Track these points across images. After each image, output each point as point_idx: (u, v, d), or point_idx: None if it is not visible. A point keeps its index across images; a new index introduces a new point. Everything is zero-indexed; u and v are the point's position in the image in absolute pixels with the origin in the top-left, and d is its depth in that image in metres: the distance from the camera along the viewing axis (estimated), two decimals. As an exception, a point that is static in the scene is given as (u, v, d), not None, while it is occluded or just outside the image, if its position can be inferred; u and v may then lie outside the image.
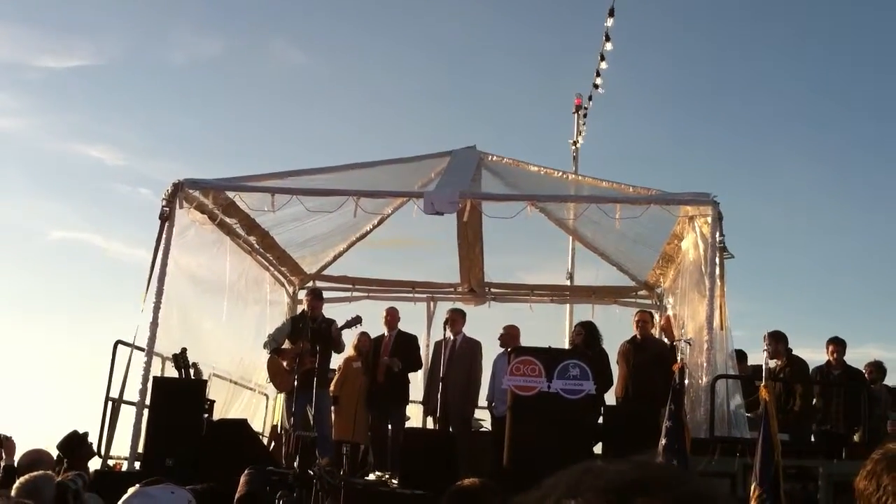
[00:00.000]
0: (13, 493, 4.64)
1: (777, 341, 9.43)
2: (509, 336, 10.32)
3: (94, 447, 8.25)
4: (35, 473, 4.78)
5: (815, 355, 10.17)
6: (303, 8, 27.96)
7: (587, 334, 10.00)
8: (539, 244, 13.80)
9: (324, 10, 27.94)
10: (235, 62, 27.41)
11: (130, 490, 4.46)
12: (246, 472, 6.15)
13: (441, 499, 3.24)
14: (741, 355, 10.15)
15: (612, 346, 10.21)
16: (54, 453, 7.16)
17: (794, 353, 9.78)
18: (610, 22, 13.51)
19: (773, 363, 9.30)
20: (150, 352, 8.96)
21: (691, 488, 0.90)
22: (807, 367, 9.82)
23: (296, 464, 6.54)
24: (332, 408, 10.28)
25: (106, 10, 26.05)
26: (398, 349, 10.69)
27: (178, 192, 9.41)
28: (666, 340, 10.37)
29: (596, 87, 14.80)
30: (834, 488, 7.55)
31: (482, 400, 10.63)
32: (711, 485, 0.95)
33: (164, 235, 9.28)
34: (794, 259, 27.36)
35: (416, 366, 11.06)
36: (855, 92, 26.65)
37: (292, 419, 9.03)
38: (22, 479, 4.71)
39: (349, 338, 10.53)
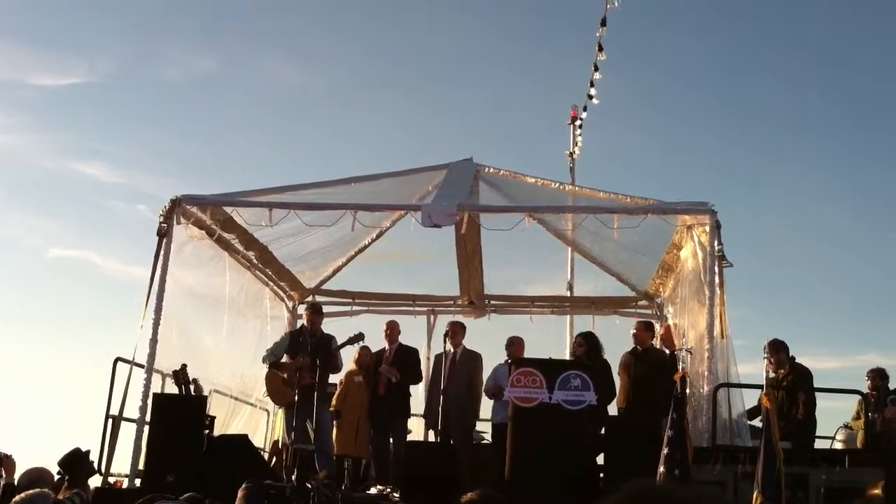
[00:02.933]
0: (9, 510, 4.62)
1: (778, 350, 9.38)
2: (519, 347, 10.32)
3: (95, 465, 8.21)
4: (31, 492, 4.77)
5: (815, 363, 10.11)
6: (294, 24, 28.06)
7: (589, 346, 9.96)
8: (538, 255, 13.75)
9: (316, 25, 28.06)
10: (230, 78, 27.52)
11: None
12: (243, 486, 6.13)
13: None
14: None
15: (613, 357, 10.18)
16: (55, 471, 7.15)
17: (796, 360, 9.74)
18: (602, 31, 13.53)
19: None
20: (149, 368, 8.94)
21: None
22: (810, 375, 9.77)
23: (293, 477, 6.50)
24: (335, 422, 10.26)
25: (100, 29, 26.21)
26: (399, 362, 10.67)
27: (176, 209, 9.41)
28: (666, 350, 10.34)
29: (590, 97, 14.77)
30: (825, 496, 7.52)
31: (483, 412, 10.61)
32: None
33: (162, 252, 9.28)
34: (795, 267, 27.31)
35: (417, 379, 11.04)
36: (854, 98, 26.69)
37: (292, 433, 9.01)
38: (17, 497, 4.69)
39: (350, 353, 10.54)
